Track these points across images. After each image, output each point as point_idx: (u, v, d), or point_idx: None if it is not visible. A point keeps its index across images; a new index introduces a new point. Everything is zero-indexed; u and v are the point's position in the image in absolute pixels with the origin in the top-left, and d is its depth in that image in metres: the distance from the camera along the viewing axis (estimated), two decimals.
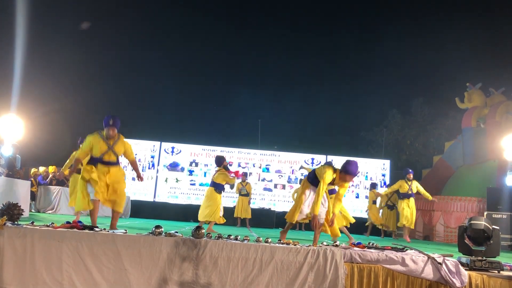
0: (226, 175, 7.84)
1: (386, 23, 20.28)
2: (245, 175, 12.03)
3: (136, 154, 13.48)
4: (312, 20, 22.82)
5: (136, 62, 19.63)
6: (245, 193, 11.57)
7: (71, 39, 17.39)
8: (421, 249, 4.28)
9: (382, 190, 12.44)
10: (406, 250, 4.18)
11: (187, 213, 12.47)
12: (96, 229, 4.05)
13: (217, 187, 7.85)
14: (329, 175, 4.81)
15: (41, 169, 11.19)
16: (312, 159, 13.86)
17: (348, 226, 8.02)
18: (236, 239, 4.08)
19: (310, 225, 9.89)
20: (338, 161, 13.78)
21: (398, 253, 3.98)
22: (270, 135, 17.62)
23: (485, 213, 9.77)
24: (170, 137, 14.34)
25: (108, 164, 5.04)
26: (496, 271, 3.88)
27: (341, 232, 7.88)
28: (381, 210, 11.72)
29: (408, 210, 9.48)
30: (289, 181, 13.63)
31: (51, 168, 11.07)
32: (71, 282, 3.71)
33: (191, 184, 13.46)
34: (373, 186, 12.00)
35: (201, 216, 7.80)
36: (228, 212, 12.45)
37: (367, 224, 11.84)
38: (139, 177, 5.44)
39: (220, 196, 7.86)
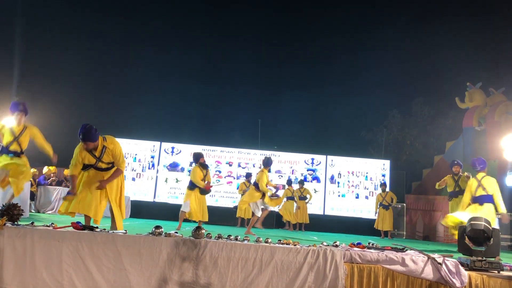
0: (194, 172, 7.66)
1: (386, 23, 20.29)
2: (249, 175, 12.00)
3: (136, 154, 13.49)
4: (311, 20, 22.83)
5: (136, 62, 19.65)
6: None
7: (71, 39, 17.40)
8: (421, 249, 4.28)
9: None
10: (406, 250, 4.19)
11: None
12: (96, 229, 4.05)
13: (189, 183, 7.78)
14: None
15: (45, 169, 11.18)
16: (312, 159, 13.86)
17: None
18: (236, 239, 4.08)
19: (310, 225, 9.75)
20: (338, 161, 13.79)
21: (398, 253, 3.98)
22: (270, 135, 17.64)
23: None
24: (170, 137, 14.34)
25: (101, 170, 4.92)
26: (496, 271, 3.88)
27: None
28: (377, 210, 11.69)
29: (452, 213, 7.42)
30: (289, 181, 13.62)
31: (52, 168, 11.07)
32: (71, 282, 3.72)
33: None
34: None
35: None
36: (228, 212, 12.51)
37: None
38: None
39: (191, 192, 7.61)
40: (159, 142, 13.62)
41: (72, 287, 3.71)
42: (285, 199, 11.94)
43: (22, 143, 6.13)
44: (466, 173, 7.38)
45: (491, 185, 6.54)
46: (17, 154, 6.13)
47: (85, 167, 4.84)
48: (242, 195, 11.57)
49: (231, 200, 12.68)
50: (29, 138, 6.18)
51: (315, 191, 13.27)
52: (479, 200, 6.58)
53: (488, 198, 6.49)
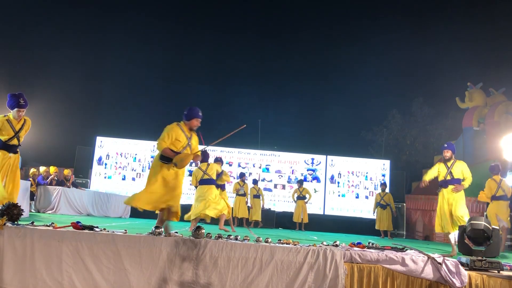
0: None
1: (387, 23, 20.29)
2: (243, 175, 12.04)
3: (136, 154, 13.49)
4: (311, 20, 22.82)
5: (136, 62, 19.65)
6: (242, 193, 11.59)
7: (71, 39, 17.39)
8: (421, 249, 4.28)
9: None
10: (406, 250, 4.18)
11: (187, 213, 12.44)
12: (96, 229, 4.05)
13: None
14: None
15: (42, 169, 11.19)
16: (312, 159, 13.86)
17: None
18: (236, 239, 4.08)
19: (310, 225, 9.73)
20: (338, 161, 13.79)
21: (398, 253, 3.97)
22: (270, 135, 17.64)
23: (485, 213, 9.76)
24: None
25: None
26: (496, 271, 3.88)
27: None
28: (375, 210, 11.64)
29: (442, 207, 6.20)
30: (289, 181, 13.62)
31: (52, 169, 11.06)
32: (71, 282, 3.71)
33: (191, 184, 13.41)
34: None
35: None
36: None
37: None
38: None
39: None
40: None
41: (72, 287, 3.71)
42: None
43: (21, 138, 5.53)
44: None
45: (508, 187, 8.23)
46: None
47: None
48: (236, 194, 11.62)
49: (231, 200, 12.66)
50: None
51: (315, 191, 13.27)
52: (500, 198, 8.07)
53: (505, 198, 8.10)
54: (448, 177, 6.19)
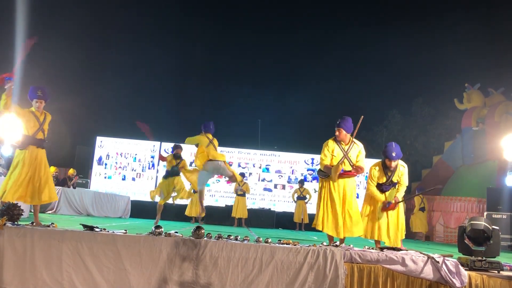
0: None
1: (387, 22, 20.28)
2: (242, 175, 12.05)
3: (136, 154, 13.48)
4: (311, 20, 22.83)
5: (136, 62, 19.64)
6: (241, 193, 11.59)
7: (71, 39, 17.38)
8: (421, 249, 4.28)
9: None
10: (406, 250, 4.19)
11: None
12: (96, 229, 4.05)
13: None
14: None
15: None
16: (312, 159, 13.86)
17: None
18: (236, 239, 4.08)
19: (310, 225, 9.76)
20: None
21: (398, 253, 3.97)
22: (270, 135, 17.62)
23: (485, 213, 9.78)
24: (170, 137, 14.33)
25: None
26: (496, 271, 3.88)
27: None
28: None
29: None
30: (289, 181, 13.63)
31: (52, 169, 11.05)
32: (71, 282, 3.72)
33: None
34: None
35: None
36: (226, 212, 12.49)
37: None
38: None
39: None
40: (159, 142, 13.62)
41: (72, 287, 3.71)
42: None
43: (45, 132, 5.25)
44: None
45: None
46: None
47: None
48: (237, 194, 11.63)
49: (231, 200, 12.68)
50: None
51: (315, 191, 13.26)
52: (422, 210, 11.74)
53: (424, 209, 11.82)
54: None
